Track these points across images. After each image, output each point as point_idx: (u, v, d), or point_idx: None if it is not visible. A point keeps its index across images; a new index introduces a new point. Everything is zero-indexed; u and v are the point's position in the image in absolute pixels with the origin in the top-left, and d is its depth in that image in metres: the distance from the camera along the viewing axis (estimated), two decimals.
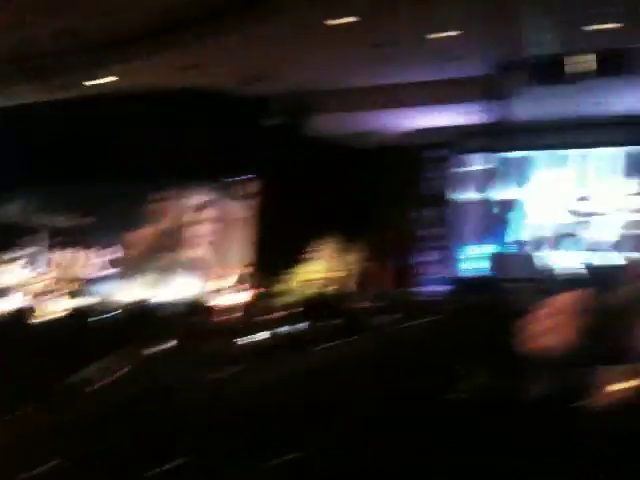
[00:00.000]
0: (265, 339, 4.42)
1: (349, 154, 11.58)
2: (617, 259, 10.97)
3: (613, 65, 7.95)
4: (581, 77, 8.05)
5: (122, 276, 11.87)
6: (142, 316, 5.30)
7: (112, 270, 12.25)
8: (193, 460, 2.14)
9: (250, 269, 11.25)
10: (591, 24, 7.26)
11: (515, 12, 6.97)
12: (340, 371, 2.74)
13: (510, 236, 11.83)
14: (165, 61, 8.34)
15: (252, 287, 10.86)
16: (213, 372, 3.01)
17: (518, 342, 2.45)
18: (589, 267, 7.79)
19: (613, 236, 11.39)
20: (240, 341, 4.33)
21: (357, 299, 9.06)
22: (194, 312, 6.10)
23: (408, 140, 12.12)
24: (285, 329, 5.14)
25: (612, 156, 11.56)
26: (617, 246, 11.21)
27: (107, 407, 2.52)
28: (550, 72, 8.38)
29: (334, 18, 7.16)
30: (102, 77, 8.71)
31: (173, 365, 3.14)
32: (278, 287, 10.41)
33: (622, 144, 11.43)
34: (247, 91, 9.38)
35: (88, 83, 8.56)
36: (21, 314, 4.51)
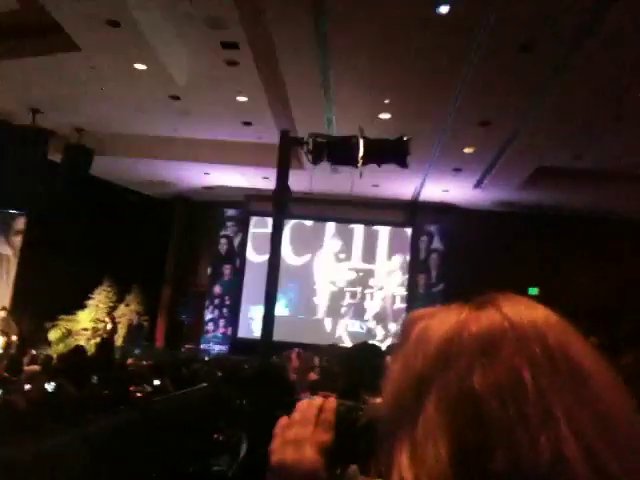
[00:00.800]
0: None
1: (130, 200, 11.20)
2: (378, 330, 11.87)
3: (385, 153, 8.68)
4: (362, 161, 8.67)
5: None
6: None
7: None
8: None
9: (6, 312, 10.12)
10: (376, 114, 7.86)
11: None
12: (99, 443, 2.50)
13: (290, 300, 12.12)
14: None
15: (6, 333, 9.77)
16: None
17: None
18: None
19: (377, 308, 12.24)
20: None
21: (124, 354, 8.61)
22: None
23: (200, 195, 12.05)
24: (41, 387, 4.63)
25: (384, 234, 12.54)
26: (379, 318, 12.10)
27: None
28: (336, 153, 8.85)
29: (123, 62, 6.96)
30: None
31: None
32: (37, 334, 9.49)
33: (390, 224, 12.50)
34: (25, 121, 8.70)
35: None
36: None
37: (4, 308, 9.73)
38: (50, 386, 3.62)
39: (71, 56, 6.87)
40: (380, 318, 12.31)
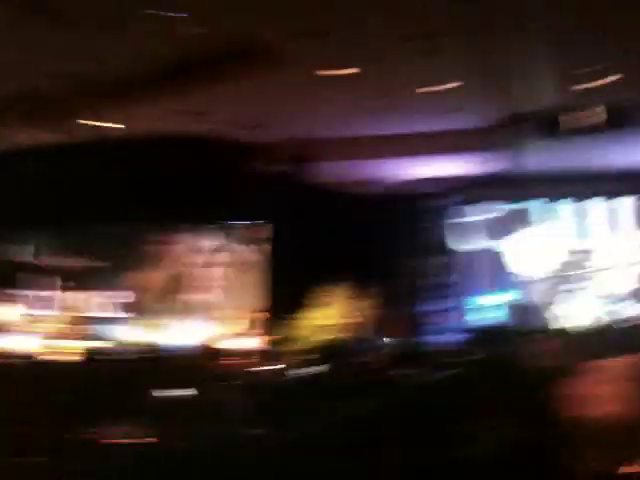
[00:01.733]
0: (280, 388, 4.34)
1: (353, 202, 11.65)
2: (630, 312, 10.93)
3: (613, 120, 8.03)
4: (581, 131, 8.15)
5: (130, 319, 11.78)
6: (154, 360, 5.24)
7: (120, 313, 12.19)
8: None
9: (261, 314, 11.17)
10: (591, 79, 7.35)
11: (516, 66, 7.10)
12: (361, 428, 2.66)
13: (518, 285, 11.78)
14: (165, 107, 8.47)
15: (263, 333, 10.78)
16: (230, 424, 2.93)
17: (552, 400, 2.38)
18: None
19: (620, 288, 11.35)
20: (254, 389, 4.25)
21: (371, 347, 9.01)
22: (206, 357, 6.03)
23: (411, 189, 12.21)
24: (299, 377, 5.07)
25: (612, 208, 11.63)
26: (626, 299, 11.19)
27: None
28: (550, 127, 8.48)
29: (332, 69, 7.30)
30: (102, 121, 8.83)
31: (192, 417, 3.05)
32: (289, 333, 10.33)
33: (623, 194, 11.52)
34: (248, 137, 9.51)
35: (89, 127, 8.65)
36: (32, 356, 4.44)
37: (257, 310, 10.82)
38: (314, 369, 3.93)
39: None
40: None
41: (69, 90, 7.96)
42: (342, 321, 10.98)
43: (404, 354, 6.32)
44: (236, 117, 8.89)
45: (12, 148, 9.49)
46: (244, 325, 11.13)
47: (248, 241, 11.78)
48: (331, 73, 7.38)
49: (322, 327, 10.63)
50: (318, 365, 5.21)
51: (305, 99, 8.30)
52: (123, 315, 12.09)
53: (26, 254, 12.70)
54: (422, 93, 7.95)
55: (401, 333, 11.52)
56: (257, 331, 10.87)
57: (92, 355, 6.63)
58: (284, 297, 10.75)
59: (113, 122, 8.73)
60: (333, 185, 11.59)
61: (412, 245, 12.38)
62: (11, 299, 12.31)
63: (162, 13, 6.09)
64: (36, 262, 12.68)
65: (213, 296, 11.89)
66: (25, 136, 8.92)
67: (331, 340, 6.83)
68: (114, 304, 12.21)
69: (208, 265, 12.01)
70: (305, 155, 10.23)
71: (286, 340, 10.26)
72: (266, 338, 10.55)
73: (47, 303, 12.53)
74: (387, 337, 10.67)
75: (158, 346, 6.55)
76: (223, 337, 10.56)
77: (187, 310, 11.71)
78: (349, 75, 7.37)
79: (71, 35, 6.55)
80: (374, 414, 2.96)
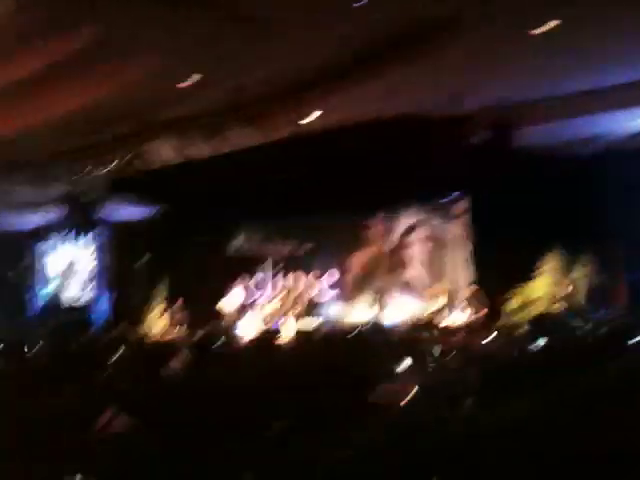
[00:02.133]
0: (498, 362, 4.33)
1: (560, 164, 10.98)
2: None
3: None
4: None
5: (343, 299, 12.33)
6: (376, 335, 5.49)
7: (333, 293, 12.80)
8: None
9: (469, 289, 11.12)
10: None
11: None
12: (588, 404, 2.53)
13: None
14: (366, 91, 8.64)
15: (474, 308, 10.72)
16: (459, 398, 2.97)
17: None
18: None
19: None
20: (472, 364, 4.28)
21: (587, 319, 8.53)
22: (420, 333, 6.16)
23: (624, 144, 11.22)
24: (514, 351, 4.99)
25: None
26: None
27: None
28: None
29: (535, 27, 6.93)
30: (311, 115, 9.24)
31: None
32: (500, 306, 10.15)
33: None
34: (449, 110, 9.36)
35: (299, 122, 9.10)
36: (267, 337, 4.86)
37: (472, 284, 10.80)
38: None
39: None
40: None
41: (273, 90, 8.50)
42: (555, 292, 10.51)
43: (623, 325, 5.92)
44: (432, 93, 8.82)
45: (233, 149, 10.27)
46: (453, 300, 11.14)
47: (451, 216, 11.72)
48: (532, 32, 7.03)
49: (533, 299, 10.27)
50: (533, 339, 5.10)
51: (498, 65, 8.01)
52: (337, 295, 12.68)
53: (248, 244, 13.85)
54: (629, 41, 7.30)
55: (619, 302, 10.71)
56: (466, 305, 10.83)
57: (312, 334, 7.07)
58: (492, 270, 10.55)
59: (313, 114, 9.14)
60: (538, 149, 11.06)
61: (628, 207, 11.44)
62: (237, 286, 13.48)
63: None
64: (255, 250, 13.75)
65: (419, 273, 12.03)
66: (242, 136, 9.65)
67: (544, 313, 6.59)
68: (329, 285, 12.85)
69: (412, 243, 12.16)
70: (505, 121, 9.87)
71: (498, 314, 10.07)
72: (476, 312, 10.47)
73: (267, 288, 13.53)
74: (604, 307, 10.03)
75: (375, 323, 6.75)
76: (434, 313, 10.66)
77: (396, 287, 11.98)
78: (551, 31, 6.97)
79: (264, 35, 6.97)
80: (598, 390, 2.79)
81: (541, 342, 4.69)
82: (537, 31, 7.00)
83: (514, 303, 10.22)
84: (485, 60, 7.90)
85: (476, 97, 9.11)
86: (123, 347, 5.95)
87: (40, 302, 16.40)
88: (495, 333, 7.62)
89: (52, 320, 12.28)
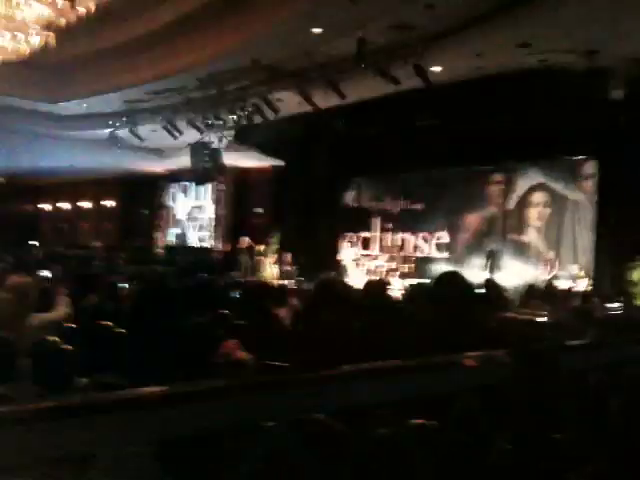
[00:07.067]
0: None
1: None
2: None
3: None
4: None
5: (454, 261, 12.06)
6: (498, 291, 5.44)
7: (443, 253, 12.64)
8: None
9: (587, 255, 10.62)
10: None
11: None
12: None
13: None
14: (499, 41, 8.34)
15: (589, 275, 10.27)
16: None
17: None
18: None
19: None
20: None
21: None
22: (534, 296, 6.03)
23: None
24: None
25: None
26: None
27: None
28: None
29: None
30: (437, 65, 9.06)
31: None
32: (619, 275, 9.64)
33: None
34: (583, 65, 8.84)
35: (424, 72, 8.95)
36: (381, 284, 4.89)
37: (582, 251, 10.29)
38: None
39: None
40: None
41: (401, 39, 8.42)
42: None
43: None
44: (568, 44, 8.37)
45: (354, 99, 10.27)
46: (571, 267, 10.69)
47: (576, 179, 11.13)
48: None
49: None
50: None
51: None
52: (445, 255, 12.52)
53: (356, 200, 13.96)
54: None
55: None
56: (582, 273, 10.37)
57: (415, 293, 6.96)
58: (614, 237, 9.99)
59: (436, 65, 8.95)
60: None
61: None
62: (347, 241, 13.69)
63: None
64: (364, 206, 13.83)
65: (537, 236, 11.56)
66: (364, 87, 9.64)
67: None
68: (436, 244, 12.71)
69: (532, 205, 11.67)
70: None
71: (617, 283, 9.58)
72: (591, 280, 10.03)
73: (374, 244, 13.60)
74: None
75: (492, 282, 6.63)
76: (551, 278, 10.24)
77: (509, 250, 11.59)
78: None
79: None
80: None
81: None
82: None
83: (637, 273, 9.66)
84: (623, 12, 7.40)
85: (613, 50, 8.56)
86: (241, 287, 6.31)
87: (169, 240, 17.76)
88: (619, 301, 7.36)
89: (180, 258, 13.08)
